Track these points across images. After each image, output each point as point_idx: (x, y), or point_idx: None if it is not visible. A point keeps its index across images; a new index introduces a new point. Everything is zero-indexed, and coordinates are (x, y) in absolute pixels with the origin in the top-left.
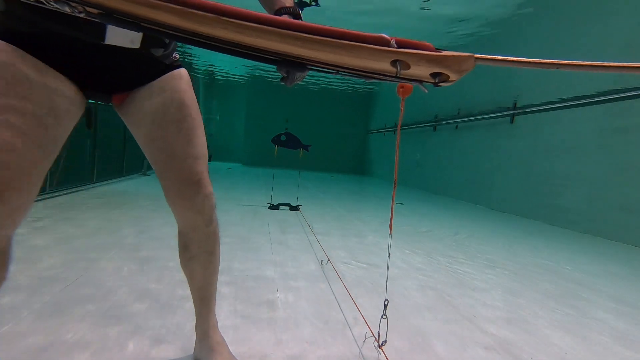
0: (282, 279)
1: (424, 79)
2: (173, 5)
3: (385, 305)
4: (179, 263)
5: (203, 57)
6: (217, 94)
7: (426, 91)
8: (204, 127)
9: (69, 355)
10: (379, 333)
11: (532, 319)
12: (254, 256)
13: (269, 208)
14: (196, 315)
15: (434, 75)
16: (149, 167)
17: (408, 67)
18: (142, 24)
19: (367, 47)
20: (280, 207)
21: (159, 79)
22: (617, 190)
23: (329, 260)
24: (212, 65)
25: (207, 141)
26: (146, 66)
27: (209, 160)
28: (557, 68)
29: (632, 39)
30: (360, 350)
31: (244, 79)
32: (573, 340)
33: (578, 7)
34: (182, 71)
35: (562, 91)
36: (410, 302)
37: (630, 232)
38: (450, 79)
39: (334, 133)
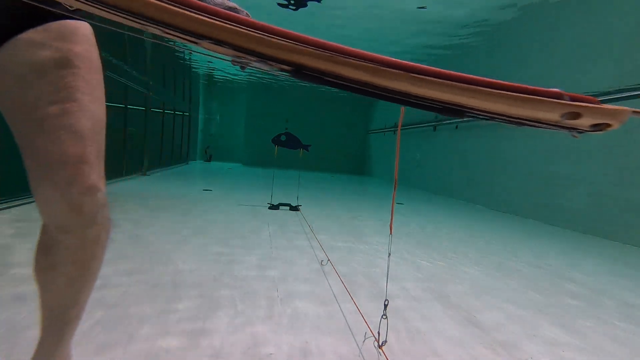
0: (282, 279)
1: (583, 128)
2: (367, 64)
3: (385, 305)
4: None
5: (203, 56)
6: (218, 95)
7: (578, 137)
8: (204, 127)
9: None
10: (379, 333)
11: (532, 318)
12: (254, 256)
13: (269, 208)
14: (39, 340)
15: (594, 125)
16: (149, 167)
17: (576, 117)
18: (327, 78)
19: (545, 100)
20: (280, 207)
21: (39, 27)
22: (617, 190)
23: (329, 260)
24: (212, 65)
25: (207, 141)
26: (19, 11)
27: (209, 160)
28: None
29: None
30: (360, 350)
31: (244, 80)
32: (572, 339)
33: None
34: (79, 24)
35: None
36: (410, 302)
37: (630, 232)
38: (610, 128)
39: (334, 133)
